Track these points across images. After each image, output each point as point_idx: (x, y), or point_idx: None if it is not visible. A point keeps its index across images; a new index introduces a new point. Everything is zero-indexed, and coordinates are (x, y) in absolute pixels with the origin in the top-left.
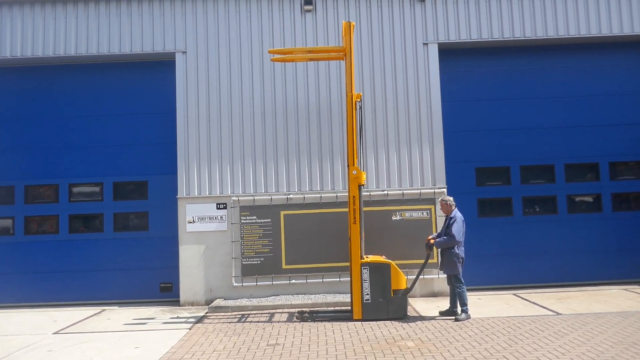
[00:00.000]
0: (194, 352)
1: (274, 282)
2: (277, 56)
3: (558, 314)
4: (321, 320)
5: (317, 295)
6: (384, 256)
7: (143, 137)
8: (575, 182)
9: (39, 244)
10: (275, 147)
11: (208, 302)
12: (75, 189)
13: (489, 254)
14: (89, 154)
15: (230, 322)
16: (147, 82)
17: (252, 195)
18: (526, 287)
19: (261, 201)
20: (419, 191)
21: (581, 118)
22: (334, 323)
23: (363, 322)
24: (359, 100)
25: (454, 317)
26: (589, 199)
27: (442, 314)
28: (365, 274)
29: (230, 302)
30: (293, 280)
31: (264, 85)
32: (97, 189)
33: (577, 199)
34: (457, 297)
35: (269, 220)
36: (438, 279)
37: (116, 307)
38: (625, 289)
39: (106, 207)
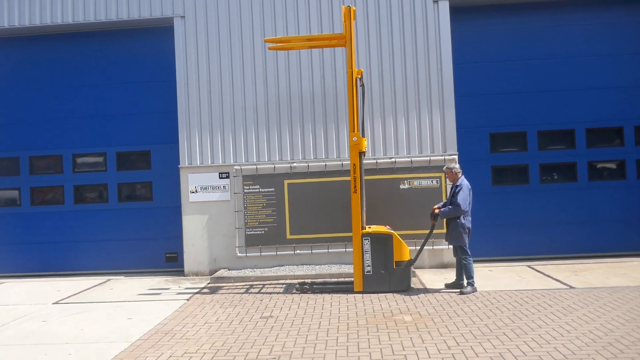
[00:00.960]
0: (185, 324)
1: (278, 253)
2: (274, 45)
3: (571, 287)
4: (321, 292)
5: (321, 265)
6: (387, 227)
7: (145, 105)
8: (597, 147)
9: (45, 215)
10: (279, 114)
11: (212, 272)
12: (79, 160)
13: (503, 223)
14: (91, 124)
15: (229, 293)
16: (147, 49)
17: (254, 164)
18: (542, 258)
19: (264, 170)
20: (428, 158)
21: (604, 79)
22: (334, 295)
23: (363, 295)
24: (359, 76)
25: (459, 290)
26: (612, 165)
27: (447, 286)
28: (367, 245)
29: (233, 273)
30: (298, 251)
31: (265, 49)
32: (100, 159)
33: (599, 165)
34: (463, 269)
35: (273, 189)
36: (448, 250)
37: (122, 277)
38: None
39: (110, 177)
